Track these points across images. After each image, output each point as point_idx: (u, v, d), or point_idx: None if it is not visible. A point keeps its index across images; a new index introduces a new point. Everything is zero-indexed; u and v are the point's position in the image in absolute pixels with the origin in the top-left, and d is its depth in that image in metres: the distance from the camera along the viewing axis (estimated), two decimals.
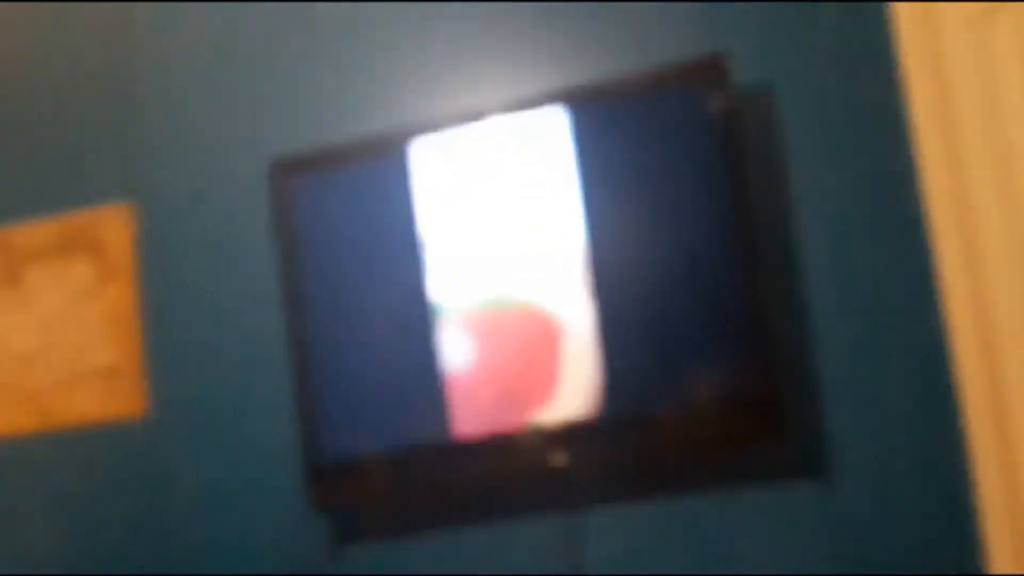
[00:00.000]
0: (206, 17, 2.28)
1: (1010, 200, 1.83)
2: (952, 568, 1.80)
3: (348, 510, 2.09)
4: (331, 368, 2.04)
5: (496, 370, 1.97)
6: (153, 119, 2.29)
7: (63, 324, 2.27)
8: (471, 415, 1.96)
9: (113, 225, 2.27)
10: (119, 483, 2.21)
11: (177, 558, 2.17)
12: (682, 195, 1.92)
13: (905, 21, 1.90)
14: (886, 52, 1.89)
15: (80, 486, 2.24)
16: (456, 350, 1.98)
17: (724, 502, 1.91)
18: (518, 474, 1.96)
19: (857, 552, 1.85)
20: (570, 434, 1.92)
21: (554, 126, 1.97)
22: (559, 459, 1.91)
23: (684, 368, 1.89)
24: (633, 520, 1.95)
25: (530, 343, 1.96)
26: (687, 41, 1.99)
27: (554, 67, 2.06)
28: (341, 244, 2.06)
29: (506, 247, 1.98)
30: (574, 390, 1.93)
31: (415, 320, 2.01)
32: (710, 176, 1.90)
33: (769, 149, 1.95)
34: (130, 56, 2.32)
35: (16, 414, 2.27)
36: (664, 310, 1.91)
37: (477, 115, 2.00)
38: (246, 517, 2.13)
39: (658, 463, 1.94)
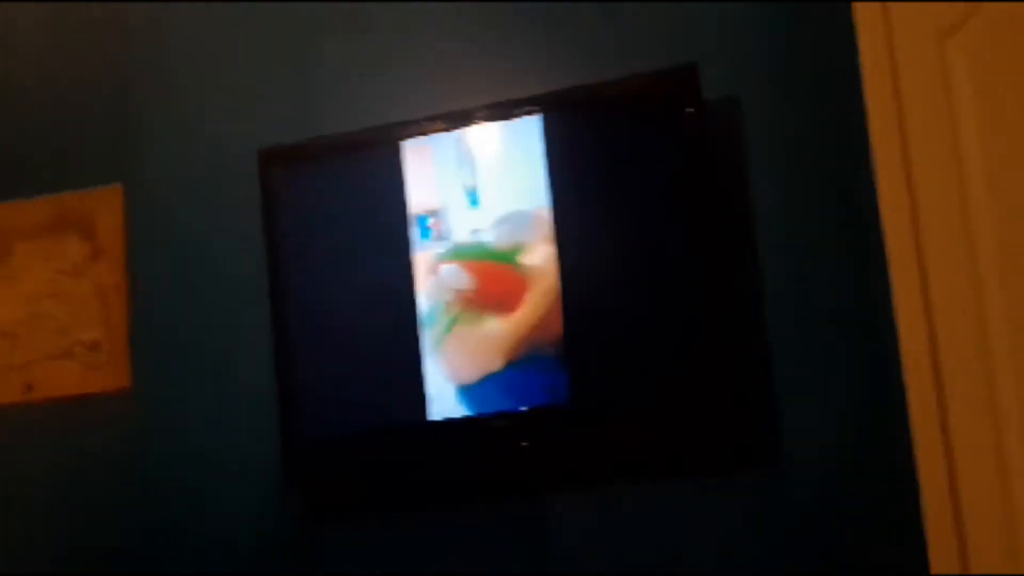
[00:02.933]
0: (203, 6, 2.32)
1: (962, 213, 1.91)
2: (896, 556, 1.87)
3: (323, 488, 2.13)
4: (311, 352, 2.09)
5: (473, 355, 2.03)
6: (147, 105, 2.33)
7: (51, 300, 2.30)
8: (446, 399, 2.03)
9: (105, 206, 2.30)
10: (102, 455, 2.24)
11: (156, 530, 2.20)
12: (649, 200, 1.98)
13: (867, 37, 1.96)
14: (852, 68, 1.95)
15: (64, 457, 2.26)
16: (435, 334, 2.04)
17: (684, 490, 1.97)
18: (489, 457, 2.02)
19: (806, 538, 1.92)
20: (537, 421, 1.98)
21: (528, 129, 2.03)
22: (528, 445, 1.97)
23: (646, 364, 1.95)
24: (596, 505, 2.00)
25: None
26: (660, 51, 2.05)
27: (532, 71, 2.11)
28: (326, 233, 2.11)
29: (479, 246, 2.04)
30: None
31: (395, 304, 2.06)
32: (677, 182, 1.96)
33: (735, 158, 2.02)
34: (126, 42, 2.36)
35: (2, 386, 2.30)
36: (629, 308, 1.97)
37: (458, 116, 2.07)
38: (224, 492, 2.16)
39: (620, 452, 2.00)
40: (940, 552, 1.82)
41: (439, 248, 2.05)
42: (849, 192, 1.97)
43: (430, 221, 2.06)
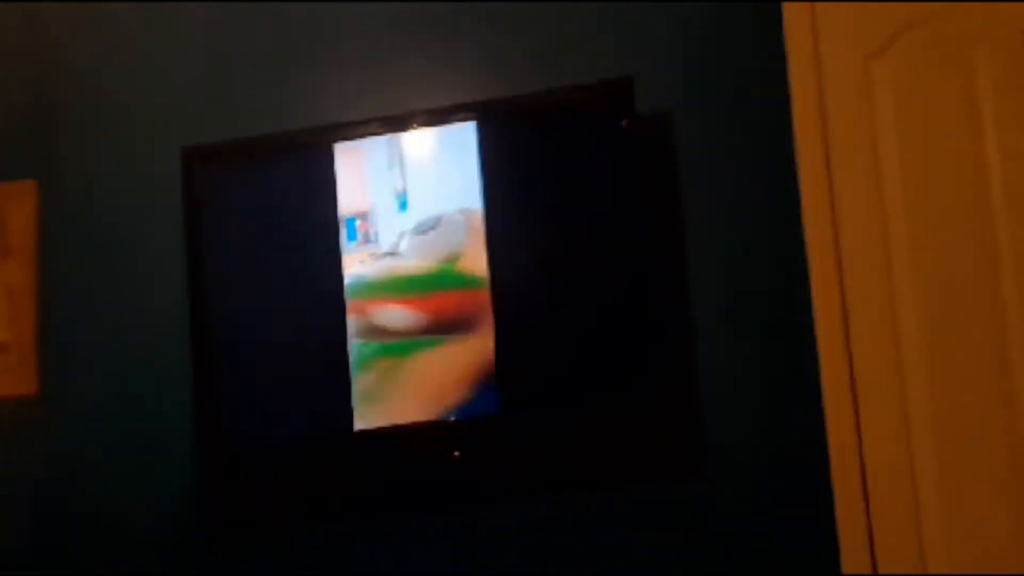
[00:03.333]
0: (127, 3, 2.28)
1: (881, 225, 1.99)
2: (812, 563, 1.91)
3: (241, 496, 2.08)
4: (234, 356, 2.05)
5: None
6: (64, 98, 2.28)
7: None
8: (373, 408, 2.00)
9: (16, 202, 2.24)
10: (10, 461, 2.17)
11: (68, 537, 2.14)
12: (582, 210, 2.00)
13: (795, 57, 2.03)
14: (782, 84, 2.01)
15: None
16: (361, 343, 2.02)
17: (612, 501, 1.98)
18: (417, 468, 2.00)
19: (731, 547, 1.95)
20: (468, 429, 1.97)
21: (463, 136, 2.03)
22: (457, 454, 1.96)
23: (579, 373, 1.97)
24: (526, 516, 2.00)
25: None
26: (597, 64, 2.08)
27: (468, 79, 2.12)
28: (251, 235, 2.08)
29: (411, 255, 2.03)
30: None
31: (323, 312, 2.03)
32: (610, 193, 1.98)
33: (667, 171, 2.05)
34: (43, 33, 2.31)
35: None
36: (561, 317, 1.98)
37: (393, 121, 2.06)
38: (136, 503, 2.11)
39: (550, 462, 2.00)
40: (850, 553, 1.89)
41: (365, 268, 2.02)
42: (778, 205, 2.02)
43: (358, 223, 2.04)
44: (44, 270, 2.22)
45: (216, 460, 2.04)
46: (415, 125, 2.06)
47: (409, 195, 2.03)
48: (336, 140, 2.07)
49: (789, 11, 2.04)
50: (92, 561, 2.11)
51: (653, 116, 2.04)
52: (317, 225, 2.05)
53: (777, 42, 2.03)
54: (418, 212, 2.02)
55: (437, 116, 2.06)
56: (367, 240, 2.03)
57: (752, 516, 1.95)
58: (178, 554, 2.08)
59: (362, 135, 2.07)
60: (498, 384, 1.96)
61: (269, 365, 2.05)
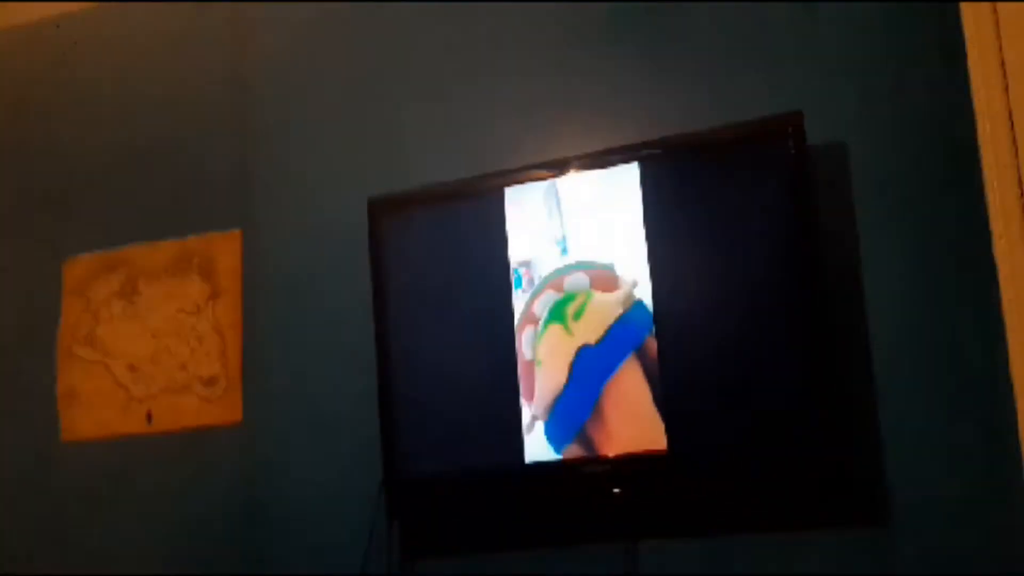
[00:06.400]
0: (317, 64, 2.42)
1: None
2: None
3: (420, 524, 2.17)
4: (415, 391, 2.13)
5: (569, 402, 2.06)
6: (265, 156, 2.44)
7: (173, 338, 2.42)
8: (541, 443, 2.05)
9: (224, 250, 2.40)
10: (216, 485, 2.32)
11: (261, 559, 2.26)
12: (751, 249, 1.95)
13: (980, 82, 1.93)
14: (962, 112, 1.92)
15: (180, 486, 2.35)
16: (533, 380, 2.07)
17: (783, 546, 1.93)
18: (582, 502, 2.03)
19: None
20: (634, 466, 1.97)
21: (626, 178, 2.04)
22: (623, 490, 1.97)
23: (748, 413, 1.91)
24: (691, 556, 1.98)
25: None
26: (762, 100, 2.05)
27: (631, 122, 2.13)
28: (429, 277, 2.16)
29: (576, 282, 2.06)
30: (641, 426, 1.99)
31: (496, 348, 2.09)
32: (781, 230, 1.93)
33: (839, 206, 1.99)
34: (246, 95, 2.47)
35: (126, 417, 2.42)
36: (730, 357, 1.94)
37: (561, 166, 2.10)
38: (326, 525, 2.21)
39: (716, 502, 1.98)
40: None
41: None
42: (960, 238, 1.92)
43: (522, 271, 2.09)
44: (248, 310, 2.37)
45: (398, 488, 2.12)
46: (579, 168, 2.09)
47: (569, 240, 2.07)
48: (506, 186, 2.13)
49: (974, 47, 1.94)
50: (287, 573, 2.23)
51: (825, 150, 1.99)
52: (489, 266, 2.11)
53: (956, 67, 1.94)
54: (579, 256, 2.06)
55: (601, 158, 2.08)
56: (531, 286, 2.08)
57: (932, 569, 1.85)
58: (366, 570, 2.15)
59: (529, 180, 2.12)
60: (665, 420, 1.95)
61: (446, 400, 2.11)
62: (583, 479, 2.01)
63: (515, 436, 2.05)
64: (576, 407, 2.03)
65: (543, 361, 2.06)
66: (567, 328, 2.05)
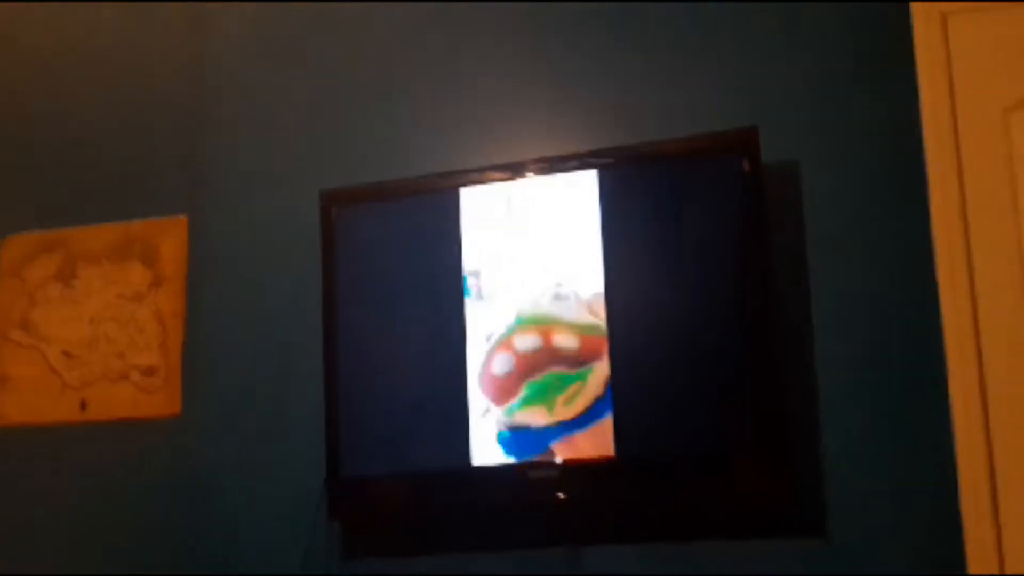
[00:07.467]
0: (272, 52, 2.40)
1: (1019, 280, 1.90)
2: None
3: (362, 523, 2.15)
4: (361, 389, 2.11)
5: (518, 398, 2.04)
6: (216, 142, 2.40)
7: (112, 323, 2.36)
8: (489, 445, 2.04)
9: (169, 236, 2.36)
10: (150, 477, 2.28)
11: (200, 553, 2.23)
12: (704, 259, 1.98)
13: (930, 108, 1.97)
14: (913, 135, 1.96)
15: (113, 478, 2.30)
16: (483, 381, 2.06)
17: (723, 553, 1.95)
18: (526, 506, 2.03)
19: None
20: (579, 472, 1.98)
21: (583, 185, 2.04)
22: (567, 494, 1.97)
23: (694, 421, 1.94)
24: (632, 561, 1.99)
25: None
26: (719, 114, 2.07)
27: (591, 128, 2.14)
28: (381, 274, 2.14)
29: (534, 297, 2.06)
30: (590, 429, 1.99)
31: (445, 351, 2.08)
32: (734, 242, 1.96)
33: (792, 221, 2.02)
34: (199, 81, 2.43)
35: (59, 405, 2.36)
36: (677, 365, 1.96)
37: (515, 167, 2.09)
38: (265, 523, 2.19)
39: (663, 509, 2.00)
40: None
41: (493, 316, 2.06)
42: (907, 259, 1.96)
43: (469, 280, 2.08)
44: (192, 299, 2.32)
45: (340, 485, 2.10)
46: (536, 172, 2.09)
47: (529, 247, 2.06)
48: (463, 185, 2.11)
49: (924, 63, 1.98)
50: (226, 571, 2.19)
51: (780, 165, 2.01)
52: (442, 267, 2.10)
53: (909, 89, 1.98)
54: (535, 263, 2.05)
55: (559, 164, 2.08)
56: (479, 296, 2.07)
57: None
58: (304, 570, 2.14)
59: (485, 181, 2.11)
60: (613, 427, 1.96)
61: (394, 400, 2.10)
62: (530, 484, 2.00)
63: (462, 439, 2.04)
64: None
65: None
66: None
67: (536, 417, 2.03)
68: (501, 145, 2.20)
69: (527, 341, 2.05)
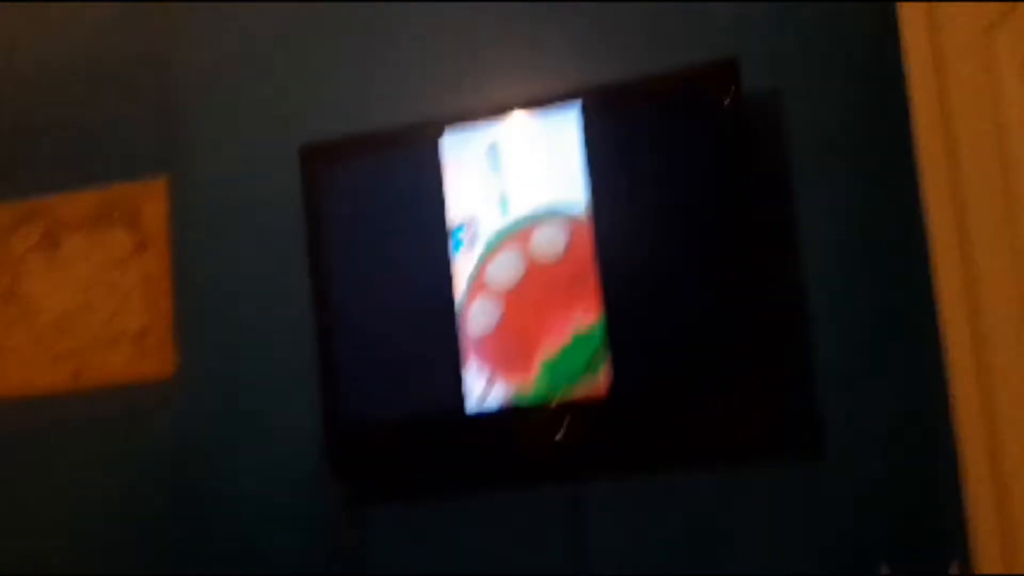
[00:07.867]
0: (247, 2, 2.36)
1: (1009, 207, 1.90)
2: (935, 550, 1.87)
3: (364, 473, 2.17)
4: (354, 340, 2.12)
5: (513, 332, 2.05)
6: (192, 100, 2.36)
7: (98, 289, 2.35)
8: (486, 388, 2.05)
9: (150, 198, 2.34)
10: (147, 441, 2.29)
11: (202, 515, 2.24)
12: (689, 193, 1.99)
13: (910, 29, 1.94)
14: (894, 60, 1.94)
15: (110, 444, 2.31)
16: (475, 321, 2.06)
17: (722, 480, 1.99)
18: (527, 446, 2.05)
19: (846, 531, 1.93)
20: (577, 409, 2.00)
21: (565, 123, 2.04)
22: (567, 432, 1.99)
23: (687, 353, 1.97)
24: (633, 494, 2.03)
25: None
26: (700, 46, 2.06)
27: (570, 66, 2.13)
28: (367, 225, 2.14)
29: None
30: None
31: (436, 295, 2.08)
32: (717, 175, 1.97)
33: (775, 152, 2.02)
34: (171, 38, 2.39)
35: (51, 374, 2.36)
36: (668, 300, 1.98)
37: (497, 110, 2.08)
38: (267, 477, 2.20)
39: (660, 440, 2.03)
40: (986, 553, 1.80)
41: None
42: (893, 185, 1.97)
43: (461, 233, 2.08)
44: (178, 260, 2.32)
45: (339, 436, 2.11)
46: (517, 111, 2.08)
47: (512, 191, 2.06)
48: (444, 131, 2.10)
49: None
50: (225, 534, 2.21)
51: (761, 96, 2.01)
52: (427, 216, 2.10)
53: (890, 14, 1.95)
54: (521, 207, 2.05)
55: (539, 102, 2.07)
56: (471, 243, 2.07)
57: (865, 498, 1.92)
58: (308, 525, 2.16)
59: (466, 124, 2.10)
60: (609, 367, 1.98)
61: (387, 350, 2.10)
62: (526, 427, 2.02)
63: (456, 384, 2.05)
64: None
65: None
66: None
67: None
68: (481, 88, 2.18)
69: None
